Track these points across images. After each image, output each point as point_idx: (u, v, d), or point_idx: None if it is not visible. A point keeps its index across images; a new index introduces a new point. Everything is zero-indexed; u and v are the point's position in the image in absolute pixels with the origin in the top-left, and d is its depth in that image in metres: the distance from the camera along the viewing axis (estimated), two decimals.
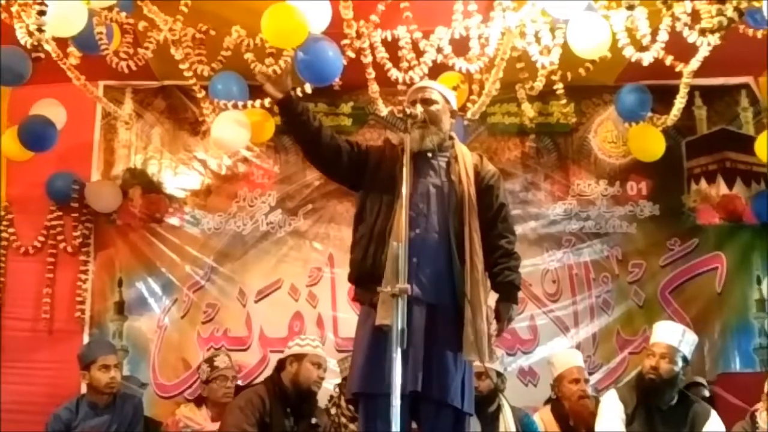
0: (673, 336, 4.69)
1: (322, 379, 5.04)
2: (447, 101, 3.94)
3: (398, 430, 2.99)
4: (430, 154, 3.81)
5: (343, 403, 5.17)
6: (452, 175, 3.81)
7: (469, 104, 5.49)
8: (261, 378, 5.88)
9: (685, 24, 4.50)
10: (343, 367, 5.23)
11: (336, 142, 3.83)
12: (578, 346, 6.10)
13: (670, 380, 4.59)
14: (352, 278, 3.86)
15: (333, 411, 5.21)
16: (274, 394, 4.92)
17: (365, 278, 3.68)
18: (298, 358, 4.98)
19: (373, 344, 3.58)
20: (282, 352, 5.22)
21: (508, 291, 3.77)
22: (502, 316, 3.72)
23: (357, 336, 3.79)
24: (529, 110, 5.96)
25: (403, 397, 3.16)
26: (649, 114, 5.79)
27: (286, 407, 4.93)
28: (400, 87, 5.05)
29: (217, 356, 5.53)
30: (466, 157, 3.88)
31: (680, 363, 4.62)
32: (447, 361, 3.62)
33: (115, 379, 5.05)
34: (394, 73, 5.03)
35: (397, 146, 3.87)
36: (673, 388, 4.63)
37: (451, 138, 3.94)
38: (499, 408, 5.04)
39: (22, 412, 5.75)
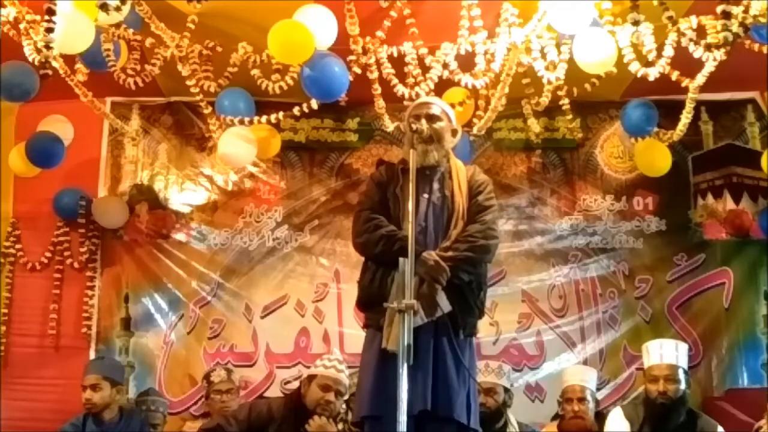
0: (669, 354, 4.68)
1: (330, 402, 4.80)
2: (449, 119, 3.96)
3: None
4: (428, 171, 3.83)
5: (350, 418, 5.14)
6: (446, 191, 3.83)
7: (475, 120, 5.49)
8: (267, 394, 5.89)
9: (691, 39, 4.49)
10: (352, 383, 5.20)
11: (382, 231, 3.74)
12: (585, 362, 6.10)
13: (681, 399, 4.60)
14: (360, 302, 3.87)
15: (340, 426, 5.18)
16: (288, 411, 4.87)
17: (373, 302, 3.67)
18: (311, 378, 4.92)
19: (380, 367, 3.59)
20: (288, 368, 5.20)
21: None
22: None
23: (363, 359, 3.79)
24: (535, 126, 5.97)
25: (411, 416, 3.14)
26: (656, 129, 5.80)
27: (298, 426, 4.87)
28: (406, 103, 5.02)
29: (214, 371, 5.61)
30: (460, 172, 3.90)
31: (683, 378, 4.62)
32: (451, 377, 3.61)
33: (89, 400, 5.02)
34: (400, 89, 5.03)
35: (395, 165, 3.89)
36: (685, 405, 4.64)
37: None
38: (505, 424, 5.03)
39: (28, 429, 5.74)
